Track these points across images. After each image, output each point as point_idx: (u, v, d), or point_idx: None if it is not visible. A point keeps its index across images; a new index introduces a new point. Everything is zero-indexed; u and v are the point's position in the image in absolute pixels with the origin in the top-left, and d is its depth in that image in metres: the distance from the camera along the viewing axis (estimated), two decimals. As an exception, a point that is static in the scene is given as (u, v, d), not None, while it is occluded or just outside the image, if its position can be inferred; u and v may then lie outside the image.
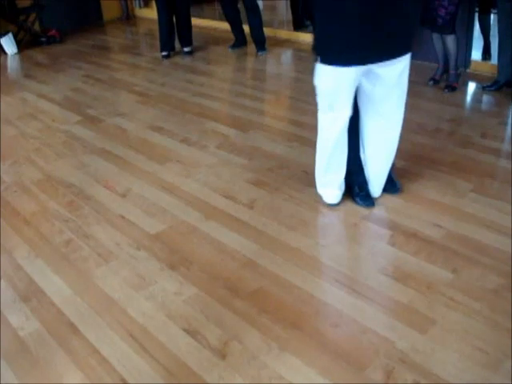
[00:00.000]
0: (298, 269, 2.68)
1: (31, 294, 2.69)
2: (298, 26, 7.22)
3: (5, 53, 7.73)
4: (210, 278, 2.67)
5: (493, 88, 4.78)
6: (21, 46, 7.89)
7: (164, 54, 6.64)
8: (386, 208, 3.11)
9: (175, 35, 6.69)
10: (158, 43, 6.76)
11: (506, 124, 4.27)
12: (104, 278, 2.74)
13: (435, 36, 4.85)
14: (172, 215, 3.23)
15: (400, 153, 3.69)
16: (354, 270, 2.65)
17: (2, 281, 2.81)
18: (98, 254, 2.94)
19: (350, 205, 3.15)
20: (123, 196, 3.51)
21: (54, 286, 2.73)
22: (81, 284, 2.73)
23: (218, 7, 7.18)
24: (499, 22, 4.70)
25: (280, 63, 6.66)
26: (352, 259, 2.74)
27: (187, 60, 6.53)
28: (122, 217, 3.27)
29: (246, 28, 6.62)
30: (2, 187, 3.79)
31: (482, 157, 3.66)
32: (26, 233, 3.22)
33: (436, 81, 5.02)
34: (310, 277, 2.63)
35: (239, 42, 6.77)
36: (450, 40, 4.73)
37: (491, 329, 2.22)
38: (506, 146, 3.85)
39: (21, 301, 2.65)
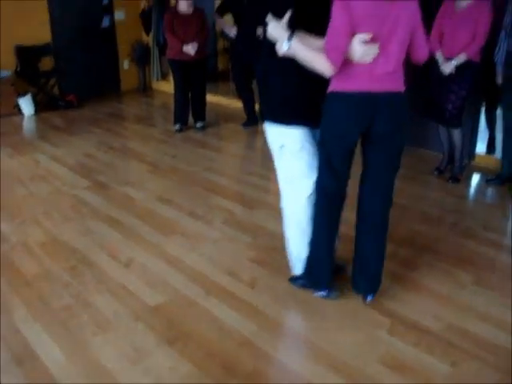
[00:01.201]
0: (295, 352, 2.67)
1: (26, 358, 2.68)
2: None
3: (22, 113, 7.95)
4: (206, 355, 2.66)
5: (496, 181, 4.87)
6: (38, 107, 8.13)
7: (177, 127, 6.81)
8: (387, 295, 3.12)
9: (189, 110, 6.88)
10: (171, 116, 6.95)
11: (508, 218, 4.33)
12: (100, 348, 2.72)
13: (441, 128, 4.99)
14: (173, 288, 3.24)
15: (403, 240, 3.75)
16: (351, 358, 2.63)
17: (-3, 342, 2.80)
18: (96, 322, 2.94)
19: (351, 290, 3.16)
20: (126, 265, 3.53)
21: (49, 351, 2.72)
22: (76, 352, 2.71)
23: (232, 85, 7.41)
24: (504, 117, 4.85)
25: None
26: (350, 346, 2.72)
27: (199, 135, 6.69)
28: (123, 286, 3.28)
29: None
30: (7, 246, 3.83)
31: (484, 249, 3.70)
32: (26, 294, 3.23)
33: (441, 171, 5.12)
34: (307, 361, 2.62)
35: (251, 120, 6.95)
36: (457, 133, 4.86)
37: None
38: (507, 240, 3.88)
39: (15, 363, 2.64)
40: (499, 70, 4.67)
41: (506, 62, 4.59)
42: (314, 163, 2.93)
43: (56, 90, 8.56)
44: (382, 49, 2.59)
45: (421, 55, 2.82)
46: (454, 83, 4.68)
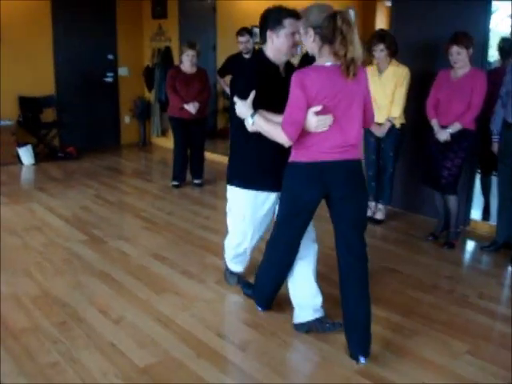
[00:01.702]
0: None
1: (7, 417, 2.60)
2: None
3: (21, 163, 7.99)
4: (194, 421, 2.59)
5: (491, 248, 4.87)
6: (38, 158, 8.19)
7: (175, 183, 6.85)
8: (378, 362, 3.07)
9: (188, 166, 6.93)
10: (170, 171, 7.00)
11: (503, 285, 4.30)
12: (85, 409, 2.66)
13: (437, 194, 5.03)
14: (163, 349, 3.18)
15: (396, 306, 3.72)
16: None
17: (-20, 399, 2.73)
18: (83, 380, 2.87)
19: (343, 356, 3.11)
20: (116, 322, 3.47)
21: (33, 410, 2.65)
22: (60, 412, 2.64)
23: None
24: (499, 184, 4.88)
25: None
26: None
27: (196, 192, 6.72)
28: (112, 344, 3.22)
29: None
30: (-3, 299, 3.78)
31: (479, 318, 3.66)
32: (13, 348, 3.17)
33: (436, 237, 5.13)
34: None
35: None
36: (452, 200, 4.89)
37: None
38: (502, 309, 3.85)
39: (-4, 422, 2.57)
40: (495, 138, 4.75)
41: (501, 132, 4.67)
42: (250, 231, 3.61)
43: (56, 141, 8.64)
44: (337, 123, 2.89)
45: (369, 120, 3.19)
46: (450, 151, 4.75)
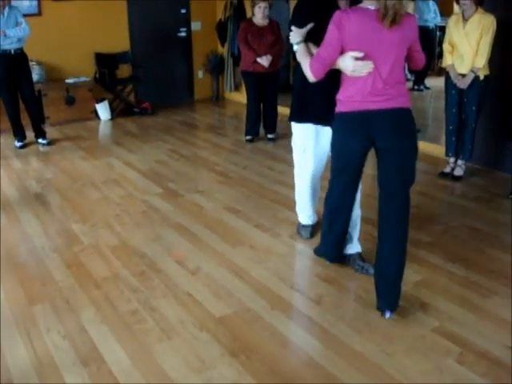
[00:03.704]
0: (360, 375, 2.60)
1: (91, 360, 2.73)
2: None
3: (99, 118, 8.20)
4: (269, 371, 2.63)
5: None
6: (114, 113, 8.36)
7: (248, 138, 6.85)
8: (457, 322, 3.00)
9: (261, 121, 6.91)
10: (243, 126, 7.00)
11: None
12: (164, 355, 2.74)
13: None
14: (238, 300, 3.23)
15: (475, 266, 3.61)
16: (417, 382, 2.54)
17: (65, 341, 2.87)
18: (162, 328, 2.96)
19: (419, 315, 3.07)
20: (193, 273, 3.55)
21: (115, 354, 2.77)
22: (141, 357, 2.75)
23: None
24: None
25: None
26: (417, 373, 2.62)
27: (269, 146, 6.70)
28: (190, 294, 3.30)
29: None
30: (79, 248, 3.94)
31: None
32: (95, 296, 3.31)
33: None
34: (372, 386, 2.55)
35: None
36: None
37: None
38: None
39: (80, 364, 2.70)
40: None
41: None
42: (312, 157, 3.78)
43: (132, 97, 8.78)
44: (376, 70, 2.84)
45: (419, 64, 3.09)
46: None
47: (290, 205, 4.57)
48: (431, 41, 9.90)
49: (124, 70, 8.68)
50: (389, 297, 3.04)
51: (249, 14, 7.32)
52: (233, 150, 6.61)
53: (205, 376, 2.59)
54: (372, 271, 3.28)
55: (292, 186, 4.66)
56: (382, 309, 3.04)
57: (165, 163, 6.00)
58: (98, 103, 8.19)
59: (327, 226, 3.45)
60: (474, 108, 5.10)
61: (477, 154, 5.47)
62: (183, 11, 9.29)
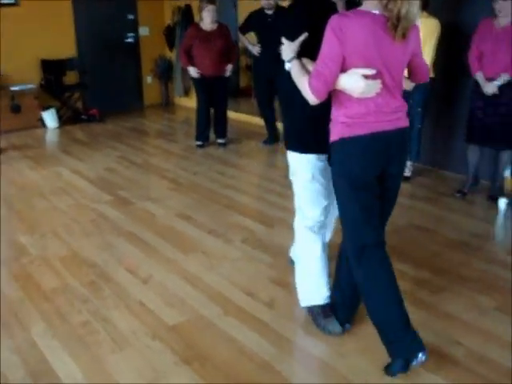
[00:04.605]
0: (314, 377, 2.63)
1: (42, 374, 2.68)
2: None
3: (45, 126, 8.03)
4: (224, 376, 2.62)
5: None
6: (62, 121, 8.21)
7: (199, 143, 6.83)
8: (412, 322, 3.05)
9: (211, 126, 6.90)
10: (193, 132, 6.97)
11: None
12: (116, 366, 2.71)
13: (472, 150, 4.92)
14: (191, 308, 3.21)
15: (424, 264, 3.70)
16: (372, 382, 2.59)
17: (15, 356, 2.80)
18: (114, 339, 2.92)
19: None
20: (145, 282, 3.51)
21: (67, 368, 2.72)
22: (93, 369, 2.70)
23: (254, 102, 7.42)
24: None
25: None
26: (371, 372, 2.66)
27: (220, 151, 6.69)
28: (142, 303, 3.26)
29: (280, 125, 6.81)
30: (27, 260, 3.85)
31: (508, 274, 3.60)
32: (44, 309, 3.23)
33: (464, 193, 5.05)
34: (326, 388, 2.58)
35: (272, 138, 6.94)
36: (506, 155, 4.80)
37: None
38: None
39: (31, 379, 2.63)
40: None
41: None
42: (320, 196, 2.96)
43: (79, 104, 8.64)
44: (385, 86, 2.44)
45: (425, 77, 2.77)
46: (501, 105, 4.61)
47: (242, 210, 4.60)
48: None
49: (71, 77, 8.55)
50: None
51: (197, 19, 7.32)
52: (183, 155, 6.58)
53: (158, 385, 2.57)
54: None
55: (243, 190, 4.69)
56: (411, 359, 2.56)
57: (114, 171, 5.92)
58: (44, 111, 8.03)
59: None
60: (419, 109, 5.22)
61: (424, 154, 5.60)
62: (131, 17, 9.23)
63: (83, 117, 8.45)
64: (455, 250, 3.96)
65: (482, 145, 4.89)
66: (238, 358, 2.76)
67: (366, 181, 2.54)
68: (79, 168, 6.01)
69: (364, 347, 2.85)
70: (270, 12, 6.38)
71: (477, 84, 4.72)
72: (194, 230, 4.33)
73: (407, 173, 5.48)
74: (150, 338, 2.93)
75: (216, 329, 3.01)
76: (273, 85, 6.54)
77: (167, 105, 9.70)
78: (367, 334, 2.95)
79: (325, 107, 2.57)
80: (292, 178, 3.10)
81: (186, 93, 9.36)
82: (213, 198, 5.05)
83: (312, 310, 3.04)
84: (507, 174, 5.12)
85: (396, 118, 2.52)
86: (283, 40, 2.66)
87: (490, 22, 4.62)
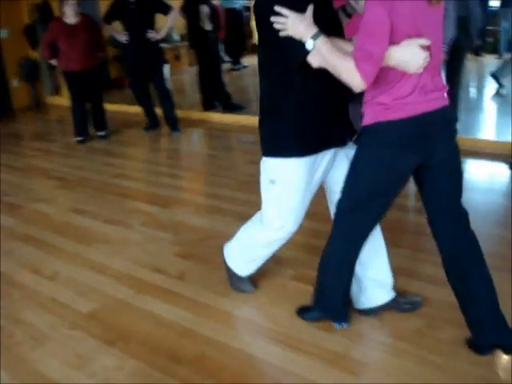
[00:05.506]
0: (235, 332, 2.81)
1: (-36, 385, 2.64)
2: (208, 107, 7.55)
3: None
4: (149, 350, 2.73)
5: None
6: None
7: (79, 139, 6.73)
8: (311, 268, 3.26)
9: (88, 120, 6.82)
10: (71, 129, 6.86)
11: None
12: (41, 361, 2.73)
13: None
14: (104, 293, 3.27)
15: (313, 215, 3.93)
16: (287, 327, 2.79)
17: None
18: (32, 337, 2.92)
19: (276, 268, 3.32)
20: (52, 279, 3.51)
21: (-10, 374, 2.69)
22: (18, 368, 2.70)
23: (129, 91, 7.40)
24: None
25: (194, 142, 6.92)
26: (286, 318, 2.86)
27: (103, 144, 6.65)
28: (54, 299, 3.27)
29: (158, 110, 6.87)
30: None
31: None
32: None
33: None
34: (247, 338, 2.78)
35: (152, 124, 6.99)
36: None
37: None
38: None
39: (-47, 393, 2.60)
40: None
41: None
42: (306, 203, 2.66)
43: None
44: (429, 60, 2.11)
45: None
46: None
47: (135, 195, 4.66)
48: (240, 21, 10.34)
49: None
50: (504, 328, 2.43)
51: (57, 14, 7.16)
52: (66, 153, 6.47)
53: (88, 370, 2.61)
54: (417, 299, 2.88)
55: (133, 177, 4.72)
56: (502, 345, 2.42)
57: (-4, 178, 5.73)
58: None
59: (339, 282, 2.64)
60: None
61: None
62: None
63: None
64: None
65: None
66: (159, 330, 2.87)
67: (394, 173, 2.30)
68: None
69: (276, 298, 3.06)
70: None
71: None
72: (92, 221, 4.34)
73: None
74: (68, 328, 2.96)
75: (132, 308, 3.09)
76: (146, 71, 6.60)
77: (38, 106, 9.37)
78: (276, 286, 3.17)
79: (338, 89, 2.20)
80: (270, 185, 2.63)
81: (57, 91, 9.13)
82: (104, 189, 5.06)
83: (230, 270, 3.09)
84: None
85: (436, 96, 2.20)
86: (281, 10, 2.09)
87: None
